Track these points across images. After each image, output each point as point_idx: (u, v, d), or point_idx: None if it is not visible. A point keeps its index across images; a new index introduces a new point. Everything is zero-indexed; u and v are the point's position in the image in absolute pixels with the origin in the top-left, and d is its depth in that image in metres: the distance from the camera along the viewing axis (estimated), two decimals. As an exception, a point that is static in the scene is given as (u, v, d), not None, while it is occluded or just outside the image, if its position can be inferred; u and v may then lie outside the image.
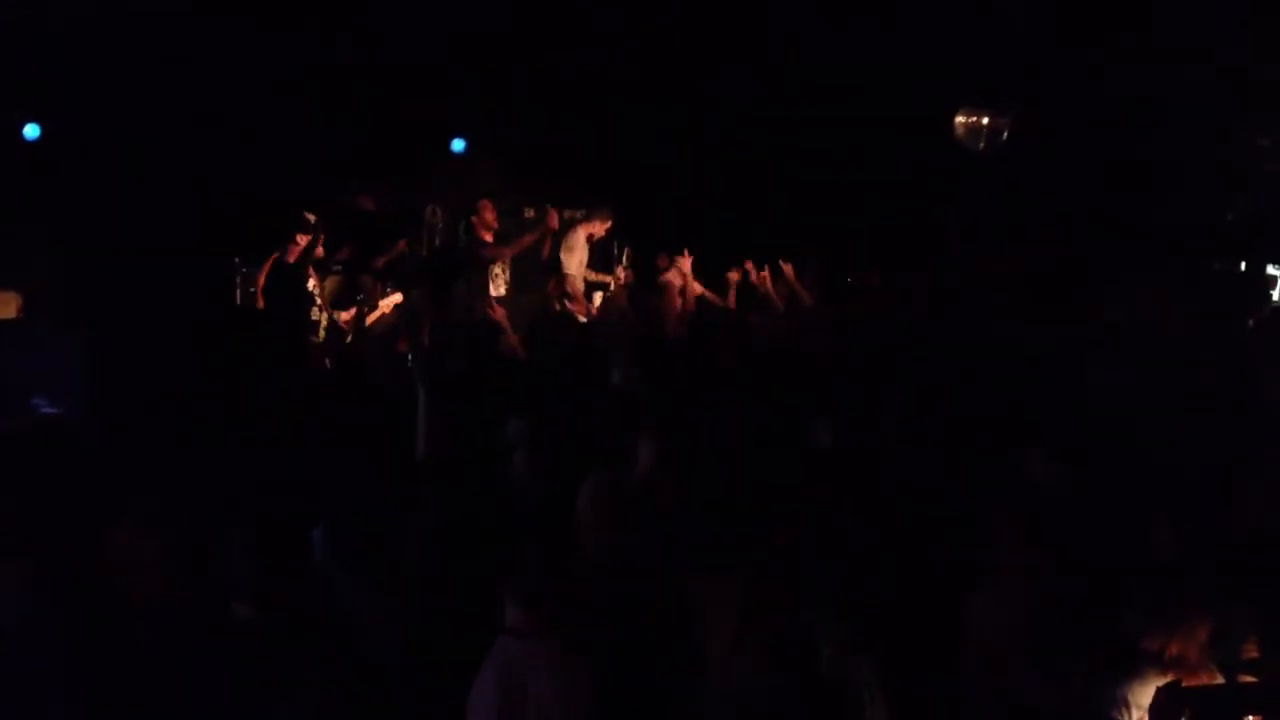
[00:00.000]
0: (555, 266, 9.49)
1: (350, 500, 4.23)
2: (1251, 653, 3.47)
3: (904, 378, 6.08)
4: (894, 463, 4.65)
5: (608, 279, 9.73)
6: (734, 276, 8.53)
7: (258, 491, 4.55)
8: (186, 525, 3.95)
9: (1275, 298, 11.53)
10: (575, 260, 9.50)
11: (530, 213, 11.07)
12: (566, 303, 8.77)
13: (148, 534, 3.75)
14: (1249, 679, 3.40)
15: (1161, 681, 3.14)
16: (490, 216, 9.19)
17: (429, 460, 4.51)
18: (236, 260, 9.18)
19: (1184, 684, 3.16)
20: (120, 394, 6.50)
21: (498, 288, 9.12)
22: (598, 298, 9.37)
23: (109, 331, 7.15)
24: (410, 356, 6.67)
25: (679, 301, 7.84)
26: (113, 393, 6.54)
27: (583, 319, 8.61)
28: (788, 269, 8.32)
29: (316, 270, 8.18)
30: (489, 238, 9.09)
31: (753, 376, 5.79)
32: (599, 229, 9.58)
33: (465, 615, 3.58)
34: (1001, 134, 8.44)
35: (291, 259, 8.04)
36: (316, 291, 8.03)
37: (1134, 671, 3.23)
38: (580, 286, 9.32)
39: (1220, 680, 3.31)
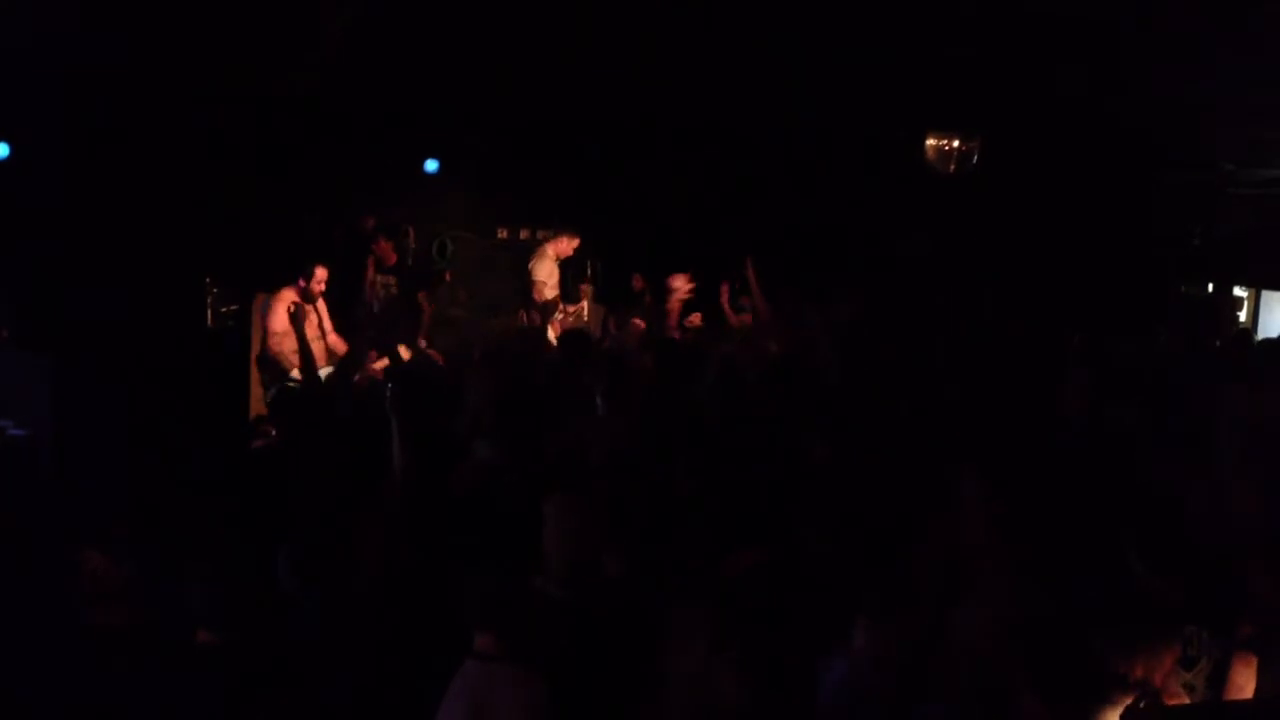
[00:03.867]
0: (528, 286, 9.54)
1: (316, 525, 4.21)
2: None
3: (877, 395, 6.09)
4: (866, 479, 4.65)
5: (574, 308, 9.75)
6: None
7: (225, 517, 4.52)
8: (155, 551, 3.92)
9: (1241, 319, 11.69)
10: (544, 269, 9.52)
11: (503, 233, 11.10)
12: (534, 312, 8.80)
13: (117, 560, 3.73)
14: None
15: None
16: (387, 247, 9.50)
17: (398, 485, 4.48)
18: (208, 282, 9.14)
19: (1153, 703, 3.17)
20: (88, 417, 6.43)
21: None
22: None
23: (77, 353, 7.09)
24: (387, 382, 6.65)
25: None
26: (80, 415, 6.48)
27: (550, 331, 8.65)
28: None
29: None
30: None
31: (727, 399, 5.78)
32: (566, 248, 9.60)
33: (432, 638, 3.57)
34: (972, 157, 8.52)
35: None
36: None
37: (1100, 693, 3.24)
38: (547, 295, 9.34)
39: (1186, 700, 3.32)
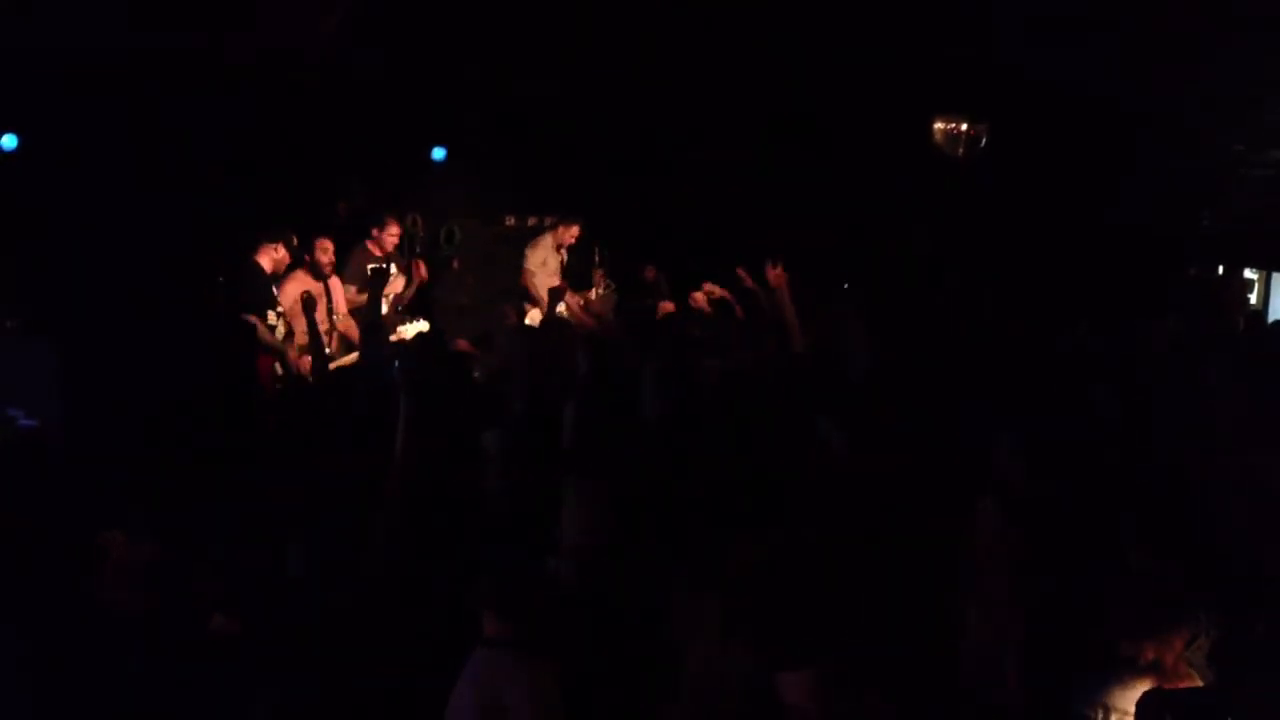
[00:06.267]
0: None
1: (327, 511, 4.22)
2: None
3: (881, 383, 6.08)
4: (870, 469, 4.65)
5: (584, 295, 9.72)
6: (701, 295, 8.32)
7: (236, 503, 4.53)
8: (175, 537, 3.93)
9: (1252, 301, 11.64)
10: (536, 258, 9.51)
11: (510, 220, 11.08)
12: (525, 304, 8.79)
13: (140, 545, 3.72)
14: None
15: (1141, 687, 3.16)
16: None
17: (405, 472, 4.47)
18: (216, 271, 9.14)
19: (1165, 688, 3.18)
20: (97, 405, 6.45)
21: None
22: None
23: (85, 342, 7.12)
24: (396, 364, 6.64)
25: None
26: (89, 404, 6.50)
27: (537, 319, 8.62)
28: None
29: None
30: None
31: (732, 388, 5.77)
32: (565, 236, 9.59)
33: (443, 626, 3.58)
34: (980, 140, 8.48)
35: (268, 268, 8.01)
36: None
37: (1113, 676, 3.25)
38: (538, 283, 9.33)
39: (1199, 683, 3.32)
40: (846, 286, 9.82)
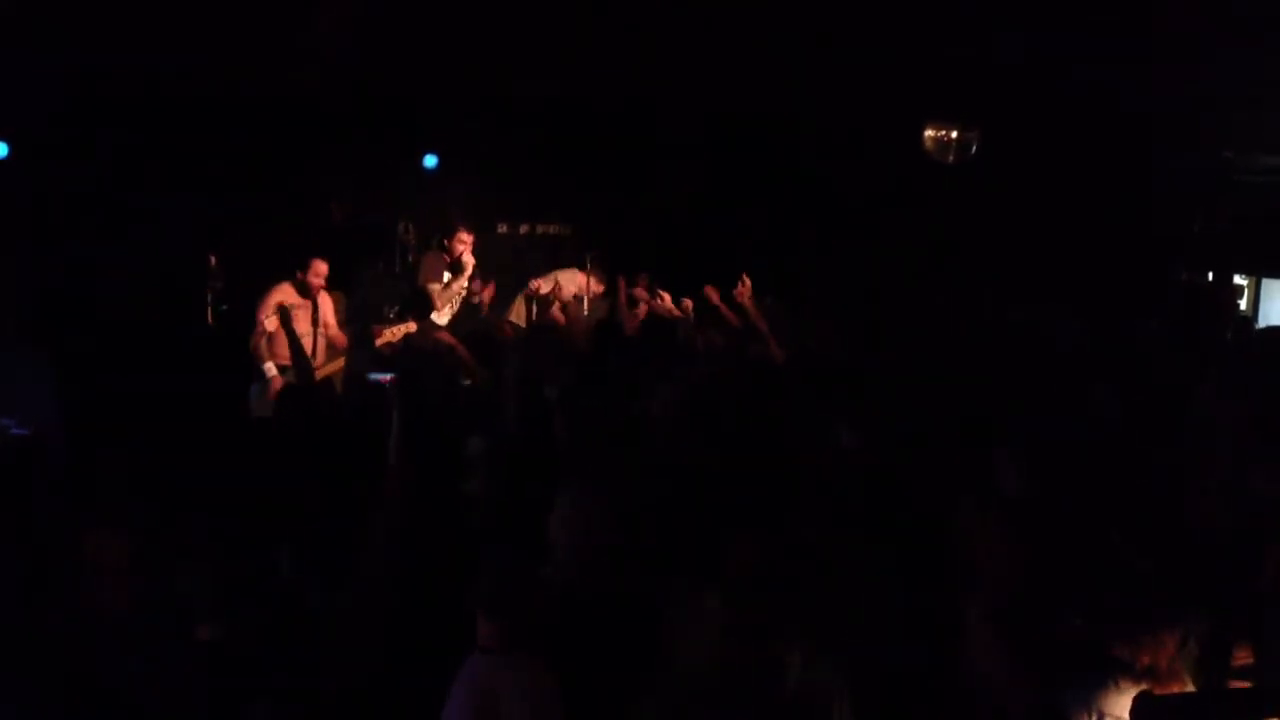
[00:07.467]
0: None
1: (319, 519, 4.21)
2: (1243, 659, 3.48)
3: (872, 383, 6.10)
4: (862, 468, 4.65)
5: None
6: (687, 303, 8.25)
7: (225, 510, 4.51)
8: (153, 531, 3.91)
9: (1242, 307, 11.68)
10: (577, 282, 9.52)
11: (503, 228, 11.08)
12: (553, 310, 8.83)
13: (115, 534, 3.69)
14: (1241, 685, 3.41)
15: (1133, 691, 3.15)
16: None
17: (399, 480, 4.47)
18: (209, 279, 9.13)
19: (1157, 693, 3.18)
20: (89, 414, 6.44)
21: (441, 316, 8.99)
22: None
23: (77, 351, 7.10)
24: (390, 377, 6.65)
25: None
26: (82, 413, 6.48)
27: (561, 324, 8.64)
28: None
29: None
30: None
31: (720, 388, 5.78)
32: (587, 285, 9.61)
33: (437, 633, 3.57)
34: (971, 147, 8.50)
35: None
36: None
37: (1105, 680, 3.25)
38: (568, 292, 9.37)
39: (1191, 688, 3.33)
40: (837, 289, 9.85)
